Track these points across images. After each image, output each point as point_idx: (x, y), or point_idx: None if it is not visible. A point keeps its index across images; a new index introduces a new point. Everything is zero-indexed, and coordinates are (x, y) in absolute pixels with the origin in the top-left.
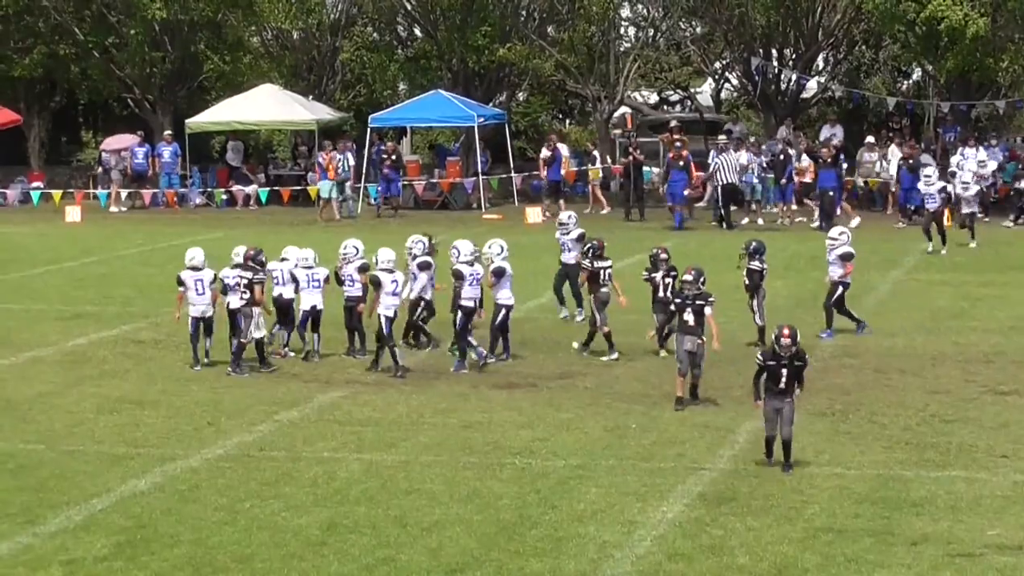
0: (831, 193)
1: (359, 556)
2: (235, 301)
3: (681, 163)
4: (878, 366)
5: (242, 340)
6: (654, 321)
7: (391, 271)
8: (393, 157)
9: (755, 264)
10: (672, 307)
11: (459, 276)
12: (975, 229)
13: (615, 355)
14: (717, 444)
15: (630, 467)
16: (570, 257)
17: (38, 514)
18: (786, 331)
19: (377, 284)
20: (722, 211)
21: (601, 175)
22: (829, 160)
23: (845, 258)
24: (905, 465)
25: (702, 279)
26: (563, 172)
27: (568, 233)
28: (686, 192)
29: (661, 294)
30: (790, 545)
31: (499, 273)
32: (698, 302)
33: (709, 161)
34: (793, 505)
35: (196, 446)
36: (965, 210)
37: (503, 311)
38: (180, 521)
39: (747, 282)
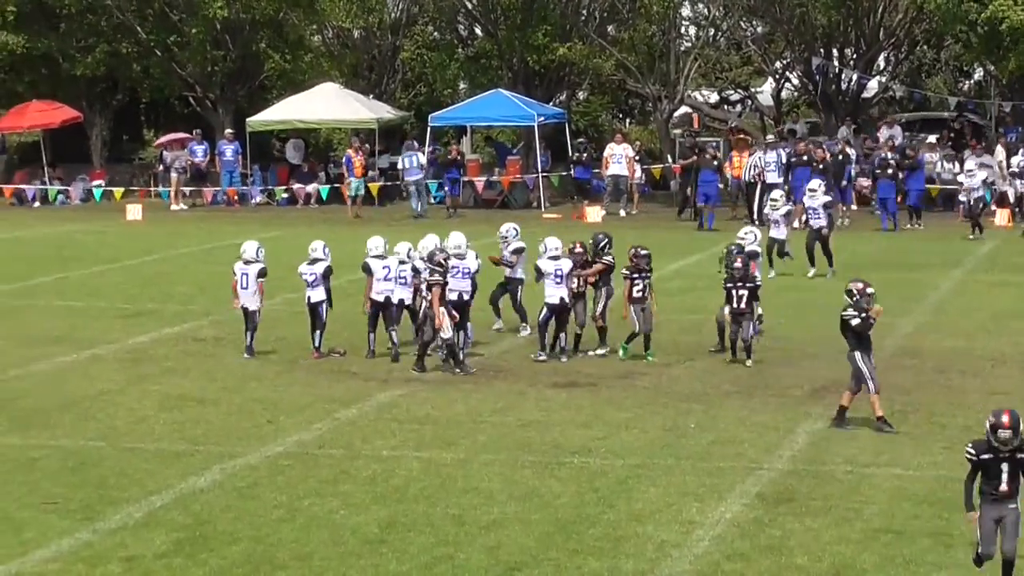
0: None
1: (417, 554)
2: (315, 296)
3: (715, 163)
4: (938, 366)
5: (424, 340)
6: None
7: (382, 257)
8: (457, 159)
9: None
10: (855, 325)
11: (366, 269)
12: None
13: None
14: (776, 444)
15: (689, 467)
16: (514, 272)
17: (98, 511)
18: (1006, 419)
19: (368, 271)
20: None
21: (640, 175)
22: (821, 165)
23: (751, 257)
24: (965, 466)
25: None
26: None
27: (508, 246)
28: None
29: (735, 305)
30: (848, 546)
31: (538, 272)
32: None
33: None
34: (852, 506)
35: (256, 444)
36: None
37: (544, 309)
38: (239, 518)
39: None
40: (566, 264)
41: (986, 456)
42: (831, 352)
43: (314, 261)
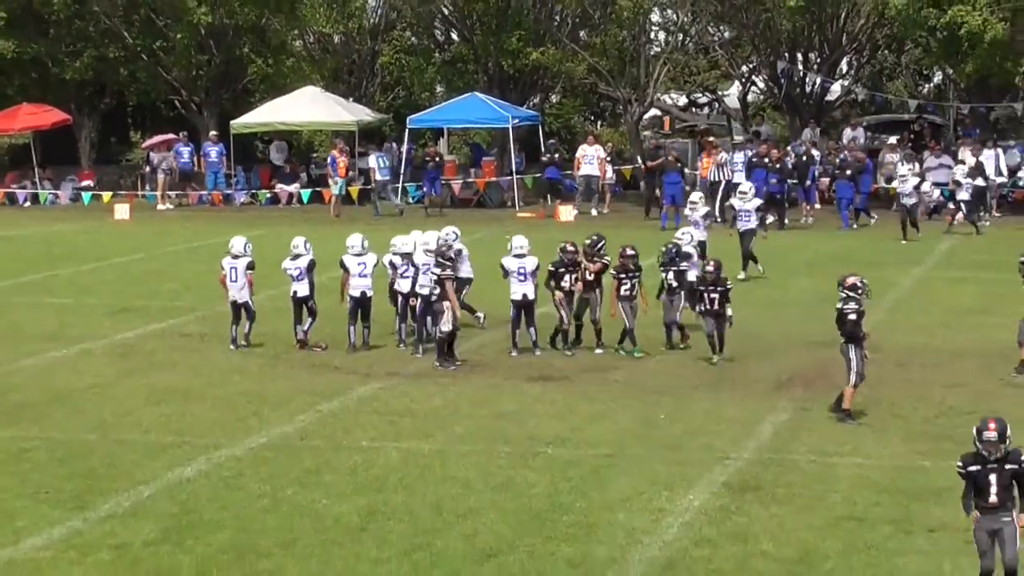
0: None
1: (397, 542)
2: (301, 290)
3: (679, 165)
4: (899, 360)
5: (438, 334)
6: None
7: (360, 255)
8: (436, 160)
9: (685, 265)
10: (852, 319)
11: (342, 266)
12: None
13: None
14: (742, 435)
15: (659, 457)
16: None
17: (88, 500)
18: (992, 424)
19: (344, 268)
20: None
21: (612, 176)
22: (777, 164)
23: (685, 257)
24: (924, 456)
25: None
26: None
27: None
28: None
29: (707, 306)
30: (812, 532)
31: (504, 269)
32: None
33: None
34: (815, 494)
35: (240, 435)
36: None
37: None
38: (224, 507)
39: (675, 284)
40: (530, 262)
41: (974, 468)
42: (797, 347)
43: (296, 256)
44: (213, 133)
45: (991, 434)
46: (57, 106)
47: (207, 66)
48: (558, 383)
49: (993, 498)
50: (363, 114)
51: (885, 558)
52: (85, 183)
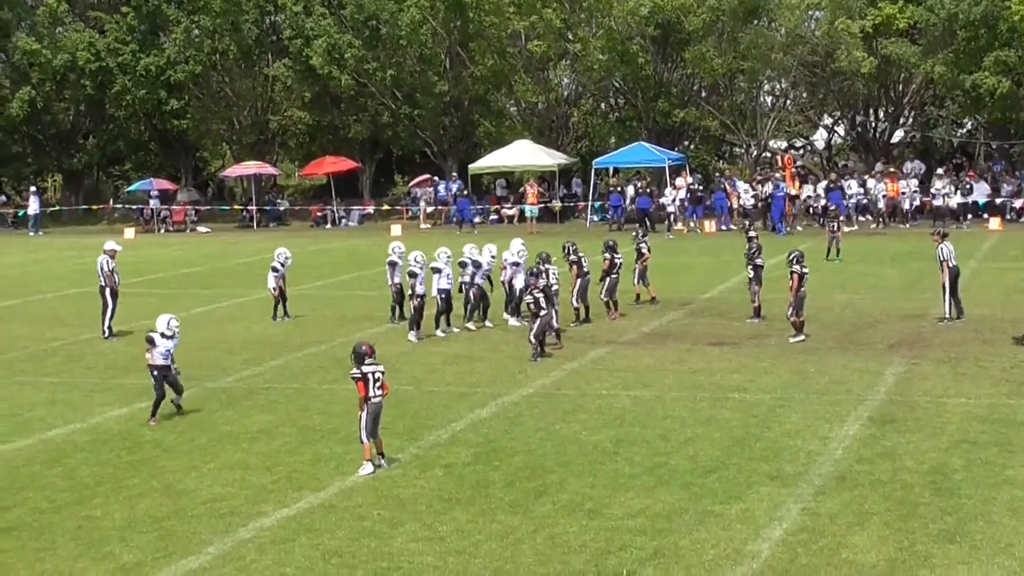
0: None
1: (641, 461)
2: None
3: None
4: (975, 327)
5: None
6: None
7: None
8: (619, 189)
9: (618, 257)
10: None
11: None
12: None
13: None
14: (872, 382)
15: (815, 399)
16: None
17: (418, 434)
18: None
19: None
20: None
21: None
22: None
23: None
24: (1008, 396)
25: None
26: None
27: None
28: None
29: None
30: (940, 452)
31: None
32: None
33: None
34: (937, 424)
35: (514, 387)
36: None
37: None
38: (514, 438)
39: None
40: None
41: None
42: (895, 320)
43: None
44: (454, 174)
45: None
46: (347, 157)
47: (449, 127)
48: (730, 347)
49: None
50: (560, 158)
51: (997, 471)
52: (367, 210)
